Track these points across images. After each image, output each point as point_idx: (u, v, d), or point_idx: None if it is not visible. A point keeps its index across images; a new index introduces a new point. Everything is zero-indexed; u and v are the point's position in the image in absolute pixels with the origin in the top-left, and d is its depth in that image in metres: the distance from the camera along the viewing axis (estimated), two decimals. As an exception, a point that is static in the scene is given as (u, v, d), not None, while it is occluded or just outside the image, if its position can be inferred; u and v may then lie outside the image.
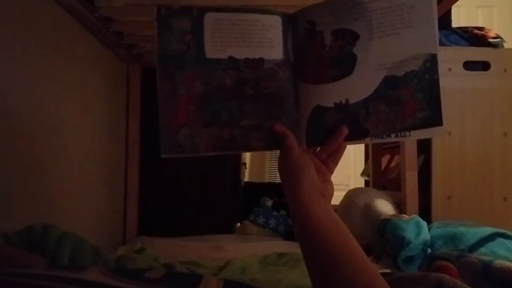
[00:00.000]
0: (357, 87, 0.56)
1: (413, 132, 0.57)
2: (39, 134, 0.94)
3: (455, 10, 1.45)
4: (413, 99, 0.56)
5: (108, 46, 1.32)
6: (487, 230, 1.01)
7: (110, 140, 1.40)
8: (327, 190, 0.54)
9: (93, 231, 1.25)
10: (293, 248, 1.23)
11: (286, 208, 1.65)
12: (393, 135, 0.58)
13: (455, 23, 1.52)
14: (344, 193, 1.45)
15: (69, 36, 1.07)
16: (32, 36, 0.90)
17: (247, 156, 2.26)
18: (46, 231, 0.73)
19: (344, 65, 0.55)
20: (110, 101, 1.40)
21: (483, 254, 0.93)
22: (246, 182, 1.97)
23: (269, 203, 1.70)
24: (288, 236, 1.55)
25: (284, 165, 0.54)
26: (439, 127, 0.57)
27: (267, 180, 3.09)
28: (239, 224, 1.70)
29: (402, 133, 0.58)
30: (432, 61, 0.55)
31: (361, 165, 2.25)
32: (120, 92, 1.51)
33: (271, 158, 3.17)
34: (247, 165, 2.34)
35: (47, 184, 0.97)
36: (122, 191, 1.53)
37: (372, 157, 1.87)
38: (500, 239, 0.99)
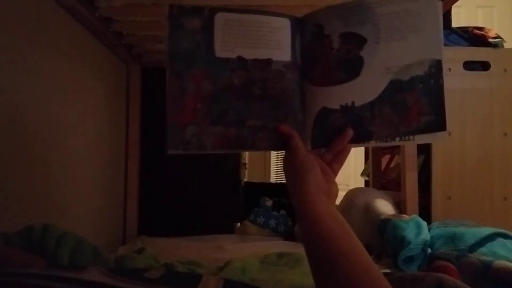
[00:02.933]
0: (363, 90, 0.56)
1: (417, 136, 0.58)
2: (39, 134, 0.93)
3: (455, 10, 1.45)
4: (417, 103, 0.56)
5: (108, 46, 1.31)
6: (487, 230, 1.01)
7: (110, 140, 1.40)
8: (332, 190, 0.54)
9: (93, 231, 1.25)
10: (293, 248, 1.23)
11: (286, 208, 1.65)
12: (397, 138, 0.58)
13: (455, 23, 1.52)
14: (344, 193, 1.45)
15: (69, 36, 1.07)
16: (32, 36, 0.89)
17: (247, 156, 2.26)
18: (46, 231, 0.72)
19: (350, 68, 0.56)
20: (110, 101, 1.40)
21: (483, 254, 0.93)
22: (246, 182, 1.97)
23: (269, 203, 1.69)
24: (288, 236, 1.55)
25: (290, 166, 0.54)
26: (442, 131, 0.57)
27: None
28: (239, 224, 1.70)
29: (406, 137, 0.58)
30: (437, 66, 0.56)
31: (361, 165, 2.24)
32: (120, 92, 1.51)
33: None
34: (247, 165, 2.33)
35: (47, 184, 0.97)
36: (122, 191, 1.52)
37: (372, 157, 1.87)
38: (500, 239, 0.99)
